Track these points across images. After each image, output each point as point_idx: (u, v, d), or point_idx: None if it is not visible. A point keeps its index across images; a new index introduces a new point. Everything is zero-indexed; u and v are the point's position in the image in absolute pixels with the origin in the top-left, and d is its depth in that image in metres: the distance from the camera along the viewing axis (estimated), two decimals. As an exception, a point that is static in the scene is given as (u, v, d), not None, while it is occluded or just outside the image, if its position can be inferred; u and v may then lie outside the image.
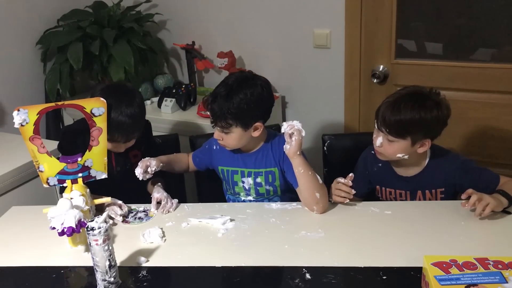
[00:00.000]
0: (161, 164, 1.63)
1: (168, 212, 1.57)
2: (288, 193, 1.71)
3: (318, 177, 1.53)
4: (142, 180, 1.71)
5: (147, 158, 1.62)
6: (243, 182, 1.70)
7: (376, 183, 1.71)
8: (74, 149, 1.57)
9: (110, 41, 2.38)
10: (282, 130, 1.50)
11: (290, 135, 1.49)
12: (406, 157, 1.55)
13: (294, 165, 1.53)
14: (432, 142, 1.57)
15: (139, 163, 1.59)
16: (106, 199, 1.52)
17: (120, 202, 1.57)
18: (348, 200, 1.51)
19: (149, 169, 1.59)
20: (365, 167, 1.72)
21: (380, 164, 1.67)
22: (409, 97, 1.51)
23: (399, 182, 1.65)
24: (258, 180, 1.68)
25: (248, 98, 1.52)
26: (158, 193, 1.60)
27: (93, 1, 2.69)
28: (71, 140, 1.70)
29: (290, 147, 1.50)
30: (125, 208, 1.57)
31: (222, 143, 1.62)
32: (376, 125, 1.56)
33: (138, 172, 1.57)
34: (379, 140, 1.56)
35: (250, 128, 1.57)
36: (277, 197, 1.72)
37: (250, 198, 1.72)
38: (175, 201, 1.61)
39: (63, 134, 1.85)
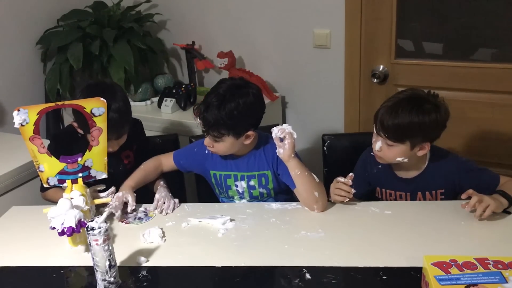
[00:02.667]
0: (134, 193, 1.60)
1: (167, 213, 1.56)
2: (282, 195, 1.71)
3: (315, 176, 1.53)
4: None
5: (120, 193, 1.56)
6: (236, 185, 1.69)
7: (376, 185, 1.71)
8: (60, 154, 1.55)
9: (110, 41, 2.38)
10: (273, 136, 1.50)
11: (281, 139, 1.49)
12: (405, 160, 1.55)
13: (290, 168, 1.52)
14: (432, 144, 1.57)
15: (113, 203, 1.53)
16: (106, 199, 1.52)
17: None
18: (347, 200, 1.51)
19: (129, 208, 1.55)
20: (364, 169, 1.71)
21: (380, 166, 1.67)
22: (407, 101, 1.50)
23: (399, 184, 1.65)
24: (252, 183, 1.67)
25: (241, 107, 1.50)
26: (159, 193, 1.61)
27: (93, 1, 2.68)
28: (57, 146, 1.70)
29: (284, 151, 1.50)
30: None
31: (213, 150, 1.61)
32: (374, 129, 1.56)
33: (118, 215, 1.52)
34: (378, 144, 1.56)
35: (242, 137, 1.57)
36: (271, 199, 1.71)
37: (244, 201, 1.71)
38: (176, 201, 1.60)
39: (50, 139, 1.84)
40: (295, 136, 1.49)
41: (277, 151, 1.52)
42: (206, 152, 1.69)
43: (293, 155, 1.51)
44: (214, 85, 1.59)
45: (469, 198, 1.38)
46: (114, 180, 1.70)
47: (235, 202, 1.73)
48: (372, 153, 1.64)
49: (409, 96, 1.53)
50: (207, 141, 1.59)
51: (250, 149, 1.66)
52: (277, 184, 1.67)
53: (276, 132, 1.49)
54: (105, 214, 1.22)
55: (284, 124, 1.49)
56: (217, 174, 1.71)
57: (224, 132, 1.52)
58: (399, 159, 1.54)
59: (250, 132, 1.57)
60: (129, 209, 1.56)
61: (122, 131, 1.65)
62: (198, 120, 1.56)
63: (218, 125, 1.51)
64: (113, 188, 1.58)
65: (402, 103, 1.50)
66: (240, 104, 1.50)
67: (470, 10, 2.12)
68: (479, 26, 2.11)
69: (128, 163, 1.79)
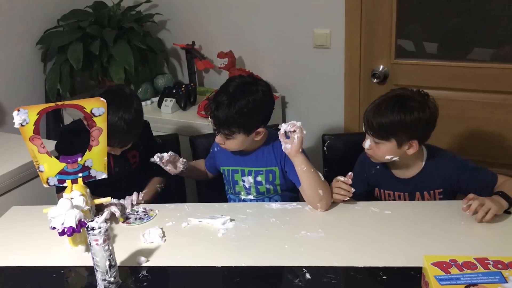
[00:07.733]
0: (185, 162, 1.69)
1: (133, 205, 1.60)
2: (288, 192, 1.72)
3: (320, 174, 1.54)
4: (142, 179, 1.70)
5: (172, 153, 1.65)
6: (243, 181, 1.71)
7: (374, 185, 1.71)
8: (71, 149, 1.56)
9: (110, 41, 2.38)
10: (280, 131, 1.50)
11: (287, 136, 1.50)
12: (396, 158, 1.55)
13: (296, 163, 1.53)
14: (425, 143, 1.59)
15: (168, 156, 1.63)
16: (106, 199, 1.52)
17: (120, 202, 1.57)
18: (347, 198, 1.51)
19: (179, 164, 1.67)
20: (362, 170, 1.72)
21: (377, 167, 1.68)
22: (391, 99, 1.53)
23: (397, 184, 1.65)
24: (259, 178, 1.68)
25: (251, 105, 1.52)
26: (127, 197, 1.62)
27: (93, 1, 2.68)
28: (68, 140, 1.70)
29: (291, 146, 1.50)
30: (126, 208, 1.57)
31: (224, 147, 1.64)
32: (364, 128, 1.58)
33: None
34: (367, 142, 1.58)
35: (252, 133, 1.59)
36: (277, 196, 1.72)
37: (251, 197, 1.72)
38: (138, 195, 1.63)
39: (61, 134, 1.85)
40: (304, 132, 1.50)
41: (283, 147, 1.53)
42: (216, 149, 1.76)
43: (300, 151, 1.51)
44: (223, 83, 1.61)
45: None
46: (119, 179, 1.70)
47: (241, 198, 1.74)
48: (370, 154, 1.65)
49: (395, 95, 1.56)
50: (218, 138, 1.62)
51: (259, 145, 1.68)
52: (284, 181, 1.68)
53: (285, 127, 1.49)
54: (105, 214, 1.23)
55: (293, 121, 1.50)
56: (225, 169, 1.74)
57: (235, 130, 1.55)
58: (388, 157, 1.55)
59: (260, 129, 1.59)
60: (180, 165, 1.68)
61: (127, 142, 1.65)
62: (209, 118, 1.59)
63: (229, 123, 1.53)
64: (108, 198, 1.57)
65: (386, 101, 1.53)
66: (250, 101, 1.52)
67: (469, 10, 2.12)
68: (478, 26, 2.11)
69: (133, 163, 1.79)
